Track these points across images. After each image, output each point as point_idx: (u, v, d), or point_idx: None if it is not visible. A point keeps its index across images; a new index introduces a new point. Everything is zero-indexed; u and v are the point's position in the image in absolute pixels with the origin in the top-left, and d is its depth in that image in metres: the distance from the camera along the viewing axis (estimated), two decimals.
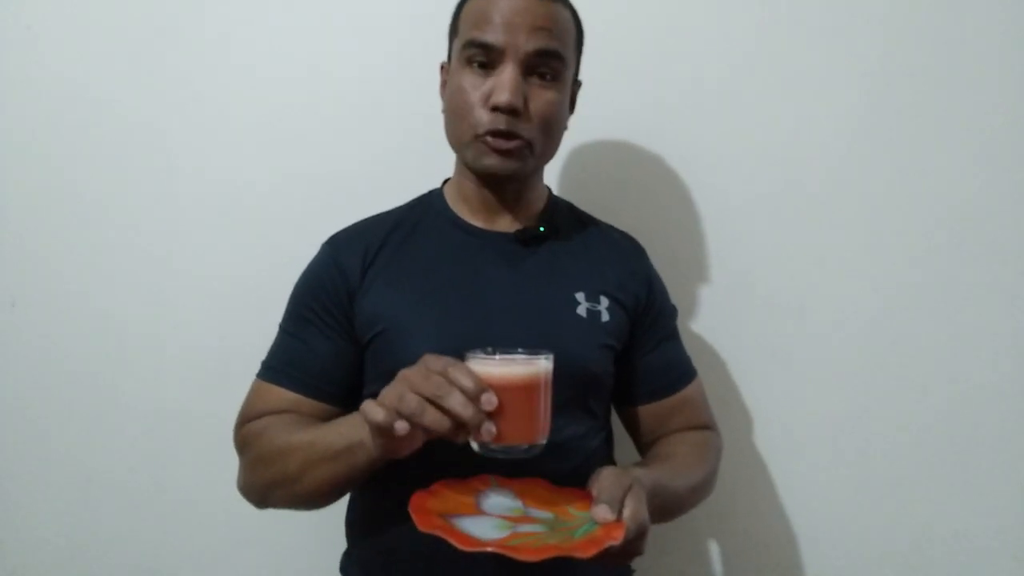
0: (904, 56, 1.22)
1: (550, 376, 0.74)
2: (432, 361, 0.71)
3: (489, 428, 0.69)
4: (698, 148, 1.26)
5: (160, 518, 1.31)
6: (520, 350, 0.75)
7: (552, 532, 0.72)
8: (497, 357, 0.73)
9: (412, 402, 0.68)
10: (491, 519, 0.74)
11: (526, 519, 0.75)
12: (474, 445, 0.73)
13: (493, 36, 0.86)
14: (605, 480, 0.74)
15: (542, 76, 0.88)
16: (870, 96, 1.23)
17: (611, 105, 1.23)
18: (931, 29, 1.22)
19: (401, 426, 0.68)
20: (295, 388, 0.91)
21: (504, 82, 0.85)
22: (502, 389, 0.70)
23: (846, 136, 1.23)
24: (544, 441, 0.74)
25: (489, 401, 0.69)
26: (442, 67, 0.98)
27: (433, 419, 0.68)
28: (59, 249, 1.30)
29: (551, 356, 0.75)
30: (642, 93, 1.25)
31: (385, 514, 0.88)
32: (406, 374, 0.72)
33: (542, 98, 0.88)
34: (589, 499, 0.74)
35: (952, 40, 1.21)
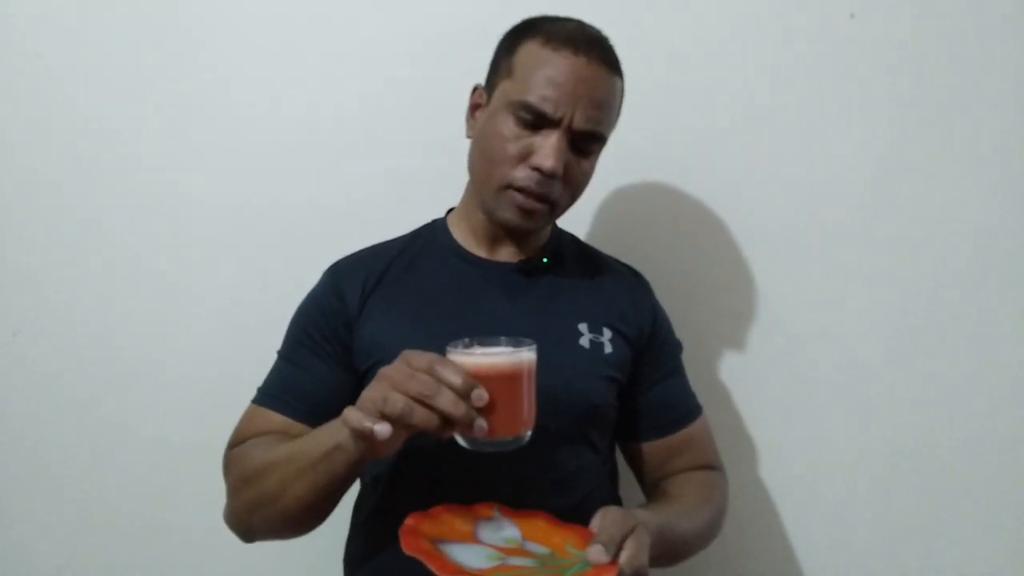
0: (927, 84, 1.22)
1: (534, 366, 0.73)
2: (414, 358, 0.69)
3: (481, 424, 0.67)
4: (714, 177, 1.25)
5: (159, 551, 1.28)
6: (502, 338, 0.74)
7: (542, 568, 0.69)
8: (478, 350, 0.72)
9: (399, 403, 0.66)
10: (483, 548, 0.71)
11: (521, 552, 0.73)
12: (460, 440, 0.71)
13: (552, 108, 0.85)
14: (607, 519, 0.71)
15: (582, 151, 0.90)
16: (893, 123, 1.22)
17: (622, 135, 1.23)
18: (955, 57, 1.21)
19: (382, 429, 0.66)
20: (287, 412, 0.89)
21: (550, 149, 0.85)
22: (487, 381, 0.69)
23: (868, 162, 1.22)
24: (529, 433, 0.73)
25: (480, 397, 0.67)
26: (476, 89, 0.95)
27: (422, 418, 0.66)
28: (61, 279, 1.29)
29: (534, 346, 0.73)
30: (657, 122, 1.24)
31: (384, 549, 0.85)
32: (387, 373, 0.69)
33: (579, 168, 0.90)
34: (591, 538, 0.71)
35: (976, 70, 1.21)
